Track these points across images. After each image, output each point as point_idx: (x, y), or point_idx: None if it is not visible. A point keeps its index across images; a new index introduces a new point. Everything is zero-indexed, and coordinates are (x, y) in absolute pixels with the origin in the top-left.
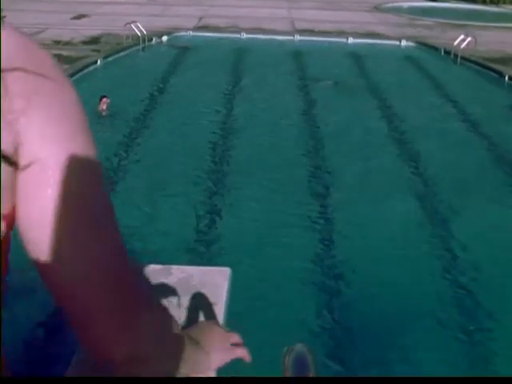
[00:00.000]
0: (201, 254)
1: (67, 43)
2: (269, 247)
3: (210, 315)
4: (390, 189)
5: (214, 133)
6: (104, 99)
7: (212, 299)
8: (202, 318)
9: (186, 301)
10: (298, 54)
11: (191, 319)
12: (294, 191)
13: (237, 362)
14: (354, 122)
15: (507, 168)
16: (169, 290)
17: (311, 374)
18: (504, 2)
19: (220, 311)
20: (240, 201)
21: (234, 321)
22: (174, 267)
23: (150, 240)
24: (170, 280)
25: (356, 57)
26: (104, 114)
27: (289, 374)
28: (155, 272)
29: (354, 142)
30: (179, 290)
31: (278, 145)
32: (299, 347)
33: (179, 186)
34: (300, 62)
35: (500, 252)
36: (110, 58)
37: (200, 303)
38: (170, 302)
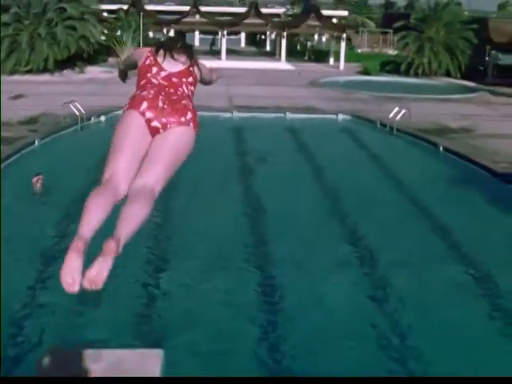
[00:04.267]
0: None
1: (5, 124)
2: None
3: None
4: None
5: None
6: (37, 177)
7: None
8: None
9: None
10: (236, 131)
11: None
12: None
13: None
14: (292, 199)
15: (443, 241)
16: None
17: None
18: (435, 75)
19: None
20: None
21: None
22: (105, 351)
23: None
24: (101, 365)
25: (294, 131)
26: (38, 191)
27: None
28: (86, 357)
29: (292, 220)
30: (110, 375)
31: (212, 228)
32: None
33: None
34: (238, 139)
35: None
36: (47, 139)
37: None
38: None
